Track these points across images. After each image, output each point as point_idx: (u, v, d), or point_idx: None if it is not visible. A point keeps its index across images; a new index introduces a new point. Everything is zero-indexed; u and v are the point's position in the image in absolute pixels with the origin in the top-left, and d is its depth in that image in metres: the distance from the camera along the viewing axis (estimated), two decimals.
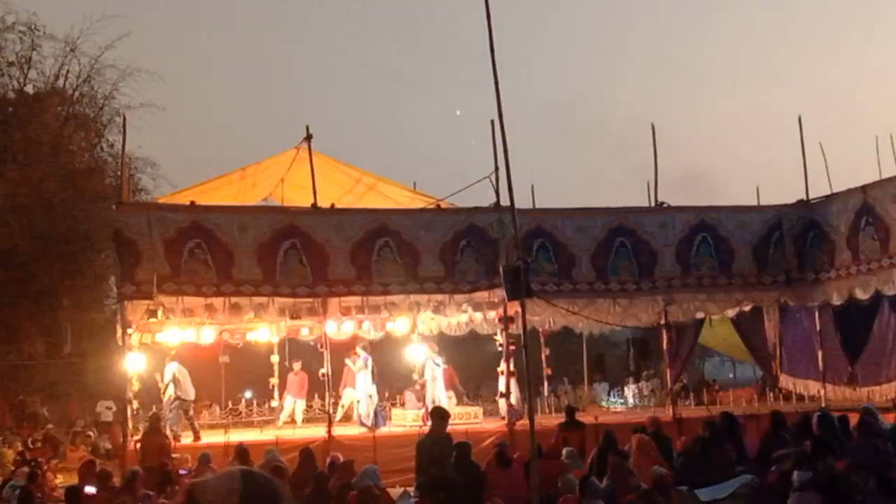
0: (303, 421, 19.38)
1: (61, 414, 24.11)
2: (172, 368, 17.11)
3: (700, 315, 19.78)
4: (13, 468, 14.83)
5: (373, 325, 19.46)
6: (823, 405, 17.34)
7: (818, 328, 19.16)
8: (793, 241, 18.69)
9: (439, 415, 12.07)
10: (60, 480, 14.13)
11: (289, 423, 19.28)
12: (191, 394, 17.21)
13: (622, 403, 21.74)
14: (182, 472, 13.07)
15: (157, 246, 15.39)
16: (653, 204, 18.60)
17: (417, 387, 19.65)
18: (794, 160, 19.19)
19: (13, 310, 23.14)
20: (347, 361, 19.02)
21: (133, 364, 16.06)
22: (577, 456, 13.01)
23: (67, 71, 27.04)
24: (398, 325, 19.91)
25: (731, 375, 33.53)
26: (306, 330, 19.27)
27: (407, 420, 18.49)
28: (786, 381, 21.22)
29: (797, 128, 19.18)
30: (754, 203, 19.71)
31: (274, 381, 20.15)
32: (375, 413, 17.89)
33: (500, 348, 18.30)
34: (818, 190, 19.13)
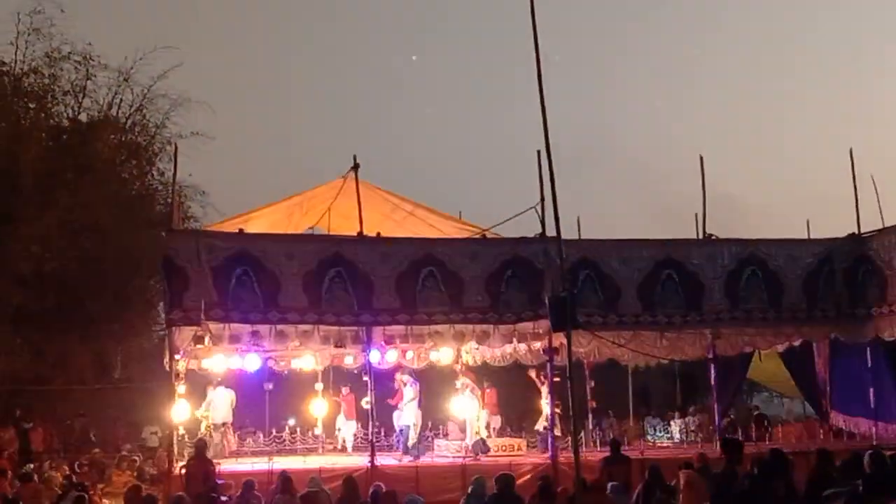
0: (353, 447, 19.44)
1: (107, 438, 24.35)
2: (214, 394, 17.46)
3: (748, 349, 19.50)
4: (60, 492, 14.96)
5: (416, 355, 19.51)
6: (874, 443, 16.97)
7: (869, 364, 18.79)
8: (844, 275, 18.39)
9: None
10: None
11: (332, 451, 19.35)
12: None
13: (668, 438, 21.45)
14: (223, 498, 13.10)
15: (205, 273, 15.52)
16: (700, 236, 18.43)
17: (460, 418, 19.65)
18: (846, 193, 18.97)
19: (63, 335, 23.46)
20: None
21: (179, 390, 16.23)
22: (623, 491, 12.84)
23: (121, 100, 27.50)
24: (441, 354, 19.90)
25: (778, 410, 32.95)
26: (350, 358, 19.37)
27: (450, 451, 18.43)
28: (836, 419, 20.81)
29: (849, 160, 18.97)
30: (804, 236, 19.45)
31: (317, 414, 20.24)
32: (417, 442, 17.90)
33: (543, 380, 18.23)
34: (870, 223, 18.87)
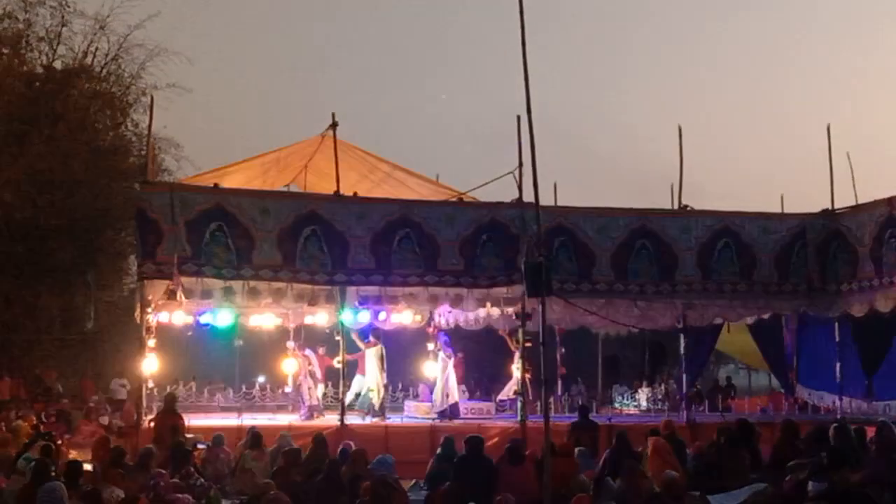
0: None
1: (76, 390, 24.22)
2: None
3: (718, 321, 19.66)
4: (27, 441, 14.87)
5: (389, 316, 19.43)
6: (839, 417, 17.23)
7: (837, 339, 19.03)
8: (816, 250, 18.56)
9: None
10: (73, 455, 14.17)
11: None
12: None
13: (635, 406, 21.65)
14: (200, 445, 13.13)
15: (178, 226, 15.40)
16: (676, 207, 18.51)
17: (431, 379, 19.68)
18: (821, 169, 19.09)
19: (32, 284, 23.26)
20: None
21: (149, 343, 16.14)
22: (589, 456, 13.00)
23: (96, 49, 27.13)
24: (414, 316, 19.86)
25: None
26: (322, 318, 19.28)
27: (419, 412, 18.49)
28: (801, 392, 21.09)
29: (825, 137, 19.07)
30: (778, 211, 19.57)
31: (288, 371, 20.17)
32: (382, 404, 17.88)
33: (516, 345, 18.28)
34: (844, 200, 19.03)
